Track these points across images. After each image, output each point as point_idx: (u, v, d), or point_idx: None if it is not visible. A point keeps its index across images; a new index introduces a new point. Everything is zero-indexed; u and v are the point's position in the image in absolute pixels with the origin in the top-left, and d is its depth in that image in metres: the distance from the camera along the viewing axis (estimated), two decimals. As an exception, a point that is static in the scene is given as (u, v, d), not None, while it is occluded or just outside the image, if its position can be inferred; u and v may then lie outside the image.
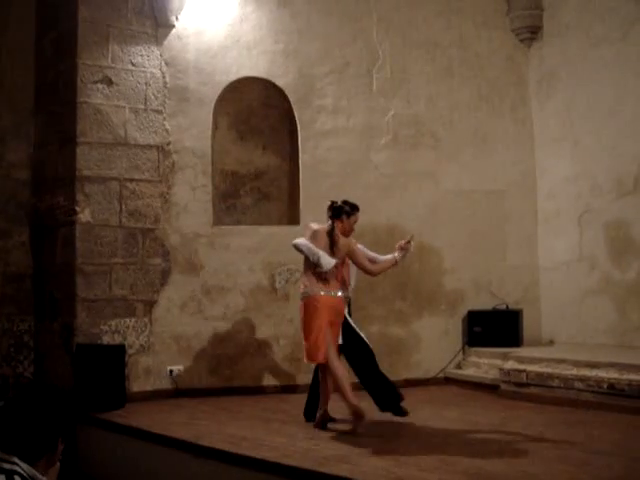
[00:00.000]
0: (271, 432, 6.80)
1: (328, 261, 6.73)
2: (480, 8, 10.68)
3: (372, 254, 7.42)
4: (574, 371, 7.96)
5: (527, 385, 8.32)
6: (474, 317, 9.91)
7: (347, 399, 6.65)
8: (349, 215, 7.15)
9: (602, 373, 7.71)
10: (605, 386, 7.60)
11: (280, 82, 9.74)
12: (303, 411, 7.34)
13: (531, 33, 10.84)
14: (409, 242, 7.20)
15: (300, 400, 8.50)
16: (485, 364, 9.41)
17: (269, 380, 9.35)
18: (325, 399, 6.93)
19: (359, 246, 7.25)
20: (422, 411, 7.77)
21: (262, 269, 9.44)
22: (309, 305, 6.73)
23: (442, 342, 9.94)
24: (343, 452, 5.89)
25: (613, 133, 9.72)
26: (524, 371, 8.38)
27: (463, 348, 10.02)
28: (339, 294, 6.83)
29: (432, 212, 10.06)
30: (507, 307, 10.01)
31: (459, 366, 9.93)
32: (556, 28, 10.61)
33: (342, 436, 6.53)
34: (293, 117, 9.76)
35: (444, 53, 10.41)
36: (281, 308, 9.42)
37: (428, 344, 9.87)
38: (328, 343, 6.65)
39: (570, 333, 10.14)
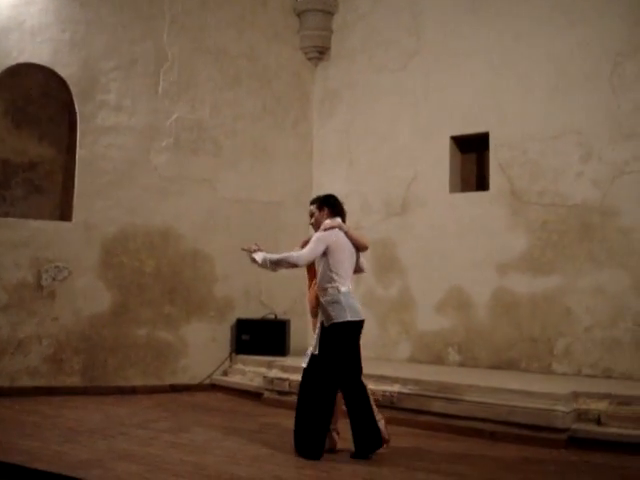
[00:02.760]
0: (24, 435, 6.53)
1: None
2: (272, 23, 10.93)
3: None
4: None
5: (289, 393, 8.52)
6: (243, 325, 10.05)
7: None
8: None
9: (359, 384, 8.05)
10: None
11: (63, 72, 9.39)
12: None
13: (319, 53, 11.25)
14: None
15: (59, 402, 8.27)
16: (251, 372, 9.56)
17: (28, 381, 8.92)
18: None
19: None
20: (185, 417, 7.81)
21: (29, 265, 9.02)
22: None
23: (210, 348, 9.98)
24: (98, 456, 5.78)
25: (386, 157, 10.30)
26: (287, 380, 8.60)
27: (230, 355, 10.13)
28: None
29: (208, 219, 10.10)
30: (276, 317, 10.24)
31: (225, 373, 10.02)
32: (343, 51, 11.07)
33: (98, 441, 6.39)
34: (73, 110, 9.44)
35: (233, 62, 10.52)
36: (46, 306, 9.06)
37: (195, 350, 9.88)
38: None
39: (334, 345, 10.51)
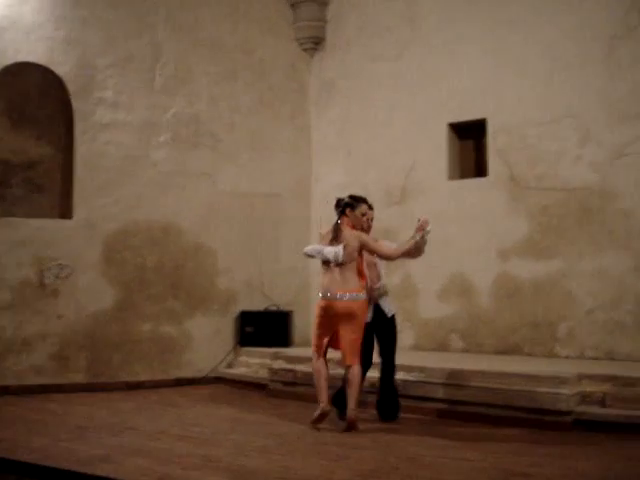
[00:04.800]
0: (34, 433, 6.55)
1: (329, 250, 6.60)
2: (267, 15, 10.93)
3: (394, 245, 6.98)
4: (337, 370, 8.29)
5: (294, 384, 8.57)
6: (246, 317, 10.10)
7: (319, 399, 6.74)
8: (353, 208, 6.83)
9: (362, 372, 8.10)
10: (366, 384, 7.98)
11: (59, 70, 9.39)
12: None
13: (314, 44, 11.25)
14: (423, 224, 6.70)
15: (66, 400, 8.31)
16: (255, 363, 9.60)
17: (34, 379, 8.95)
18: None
19: (384, 242, 7.05)
20: (191, 410, 7.85)
21: (31, 264, 9.04)
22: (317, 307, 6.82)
23: (214, 341, 10.03)
24: (106, 452, 5.78)
25: (384, 146, 10.32)
26: (292, 370, 8.63)
27: (235, 348, 10.17)
28: (345, 297, 6.57)
29: (208, 212, 10.12)
30: (278, 308, 10.28)
31: (230, 365, 10.06)
32: (338, 41, 11.07)
33: (107, 436, 6.41)
34: (71, 108, 9.44)
35: (229, 56, 10.53)
36: (49, 304, 9.09)
37: (200, 343, 9.92)
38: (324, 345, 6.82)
39: (337, 334, 10.56)
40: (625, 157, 8.44)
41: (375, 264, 7.07)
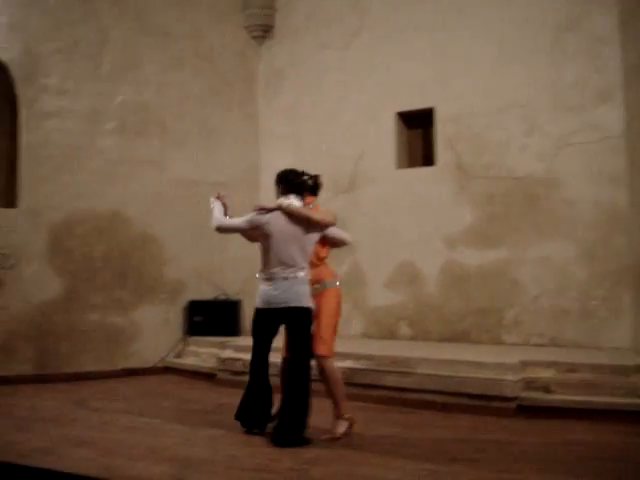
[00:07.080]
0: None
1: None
2: (216, 2, 10.87)
3: None
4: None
5: (243, 373, 8.53)
6: (195, 307, 10.05)
7: (343, 405, 5.95)
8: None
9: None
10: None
11: (3, 56, 9.16)
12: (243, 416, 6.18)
13: (263, 32, 11.20)
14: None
15: (12, 391, 8.19)
16: (204, 353, 9.56)
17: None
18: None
19: None
20: (138, 401, 7.81)
21: (-26, 253, 8.90)
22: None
23: (162, 331, 9.95)
24: (52, 444, 5.72)
25: (332, 135, 10.34)
26: (240, 360, 8.61)
27: (183, 337, 10.11)
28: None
29: (156, 201, 10.02)
30: (227, 297, 10.25)
31: (179, 355, 10.00)
32: (287, 30, 11.05)
33: (51, 428, 6.33)
34: (15, 95, 9.25)
35: (177, 43, 10.42)
36: (-7, 295, 8.94)
37: (148, 333, 9.83)
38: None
39: (287, 323, 10.58)
40: (569, 147, 8.58)
41: None
